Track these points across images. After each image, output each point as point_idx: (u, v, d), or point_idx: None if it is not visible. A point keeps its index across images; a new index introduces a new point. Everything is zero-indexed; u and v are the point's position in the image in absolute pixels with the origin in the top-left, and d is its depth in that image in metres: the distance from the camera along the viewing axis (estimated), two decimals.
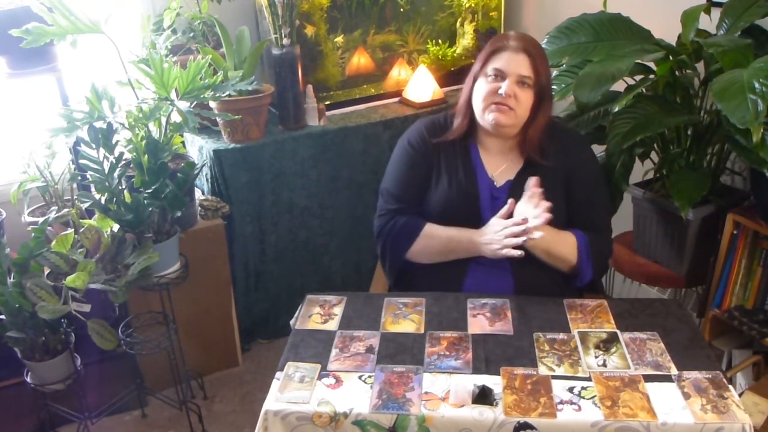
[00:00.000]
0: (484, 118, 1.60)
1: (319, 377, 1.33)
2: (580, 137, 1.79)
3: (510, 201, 1.56)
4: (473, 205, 1.63)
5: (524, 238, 1.51)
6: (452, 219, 1.63)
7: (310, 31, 2.50)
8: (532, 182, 1.54)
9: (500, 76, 1.56)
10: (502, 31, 2.86)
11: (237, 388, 2.41)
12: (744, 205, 1.93)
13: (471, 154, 1.69)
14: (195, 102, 1.82)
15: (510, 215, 1.56)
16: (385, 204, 1.74)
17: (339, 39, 2.56)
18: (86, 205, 1.83)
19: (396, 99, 2.74)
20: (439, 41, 2.82)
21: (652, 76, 1.85)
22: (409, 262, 1.69)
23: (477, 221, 1.62)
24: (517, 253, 1.51)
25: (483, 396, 1.24)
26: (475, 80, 1.62)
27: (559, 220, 1.64)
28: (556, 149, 1.66)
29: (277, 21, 2.26)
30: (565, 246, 1.59)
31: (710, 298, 1.98)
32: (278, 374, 1.34)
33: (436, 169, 1.69)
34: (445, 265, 1.64)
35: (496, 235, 1.54)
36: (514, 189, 1.64)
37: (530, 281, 1.62)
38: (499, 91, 1.55)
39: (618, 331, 1.44)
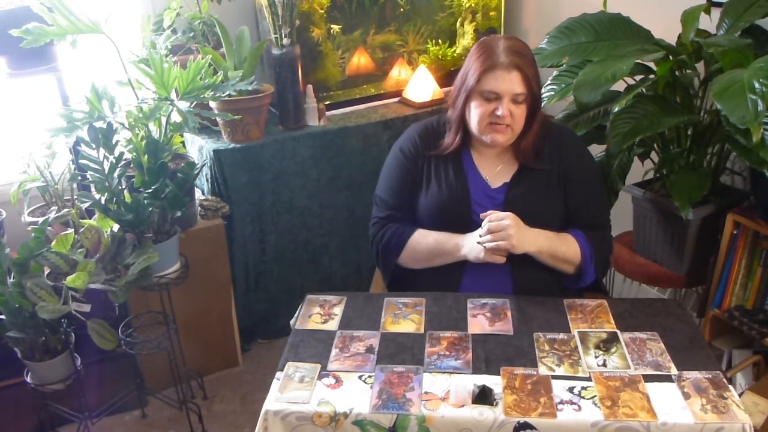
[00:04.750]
0: (482, 137, 1.61)
1: (319, 377, 1.33)
2: (574, 135, 1.78)
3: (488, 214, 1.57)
4: (464, 208, 1.63)
5: (500, 243, 1.51)
6: (444, 222, 1.63)
7: (316, 33, 2.51)
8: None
9: (495, 96, 1.56)
10: (502, 32, 2.86)
11: (237, 388, 2.41)
12: (744, 205, 1.92)
13: (463, 158, 1.69)
14: (195, 102, 1.82)
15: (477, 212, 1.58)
16: (377, 211, 1.75)
17: (336, 28, 2.56)
18: (86, 205, 1.83)
19: (396, 99, 2.74)
20: (439, 41, 2.82)
21: (652, 76, 1.85)
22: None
23: (469, 223, 1.61)
24: (500, 259, 1.53)
25: (483, 396, 1.24)
26: (467, 97, 1.60)
27: (557, 219, 1.64)
28: (551, 149, 1.66)
29: (277, 21, 2.26)
30: (567, 247, 1.59)
31: (710, 298, 1.98)
32: (278, 374, 1.34)
33: (427, 175, 1.69)
34: (443, 266, 1.64)
35: (475, 243, 1.56)
36: (511, 191, 1.64)
37: (529, 281, 1.62)
38: (497, 113, 1.55)
39: (618, 331, 1.44)
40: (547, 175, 1.64)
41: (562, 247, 1.59)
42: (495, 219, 1.52)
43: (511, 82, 1.54)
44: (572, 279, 1.65)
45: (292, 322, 1.54)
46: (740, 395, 1.69)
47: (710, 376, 1.29)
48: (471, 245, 1.58)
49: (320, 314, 1.54)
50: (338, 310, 1.55)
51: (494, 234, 1.51)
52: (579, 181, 1.66)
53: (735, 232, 1.88)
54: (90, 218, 1.88)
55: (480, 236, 1.54)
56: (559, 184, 1.65)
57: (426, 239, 1.64)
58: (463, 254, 1.60)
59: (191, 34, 2.39)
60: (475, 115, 1.59)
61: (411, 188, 1.71)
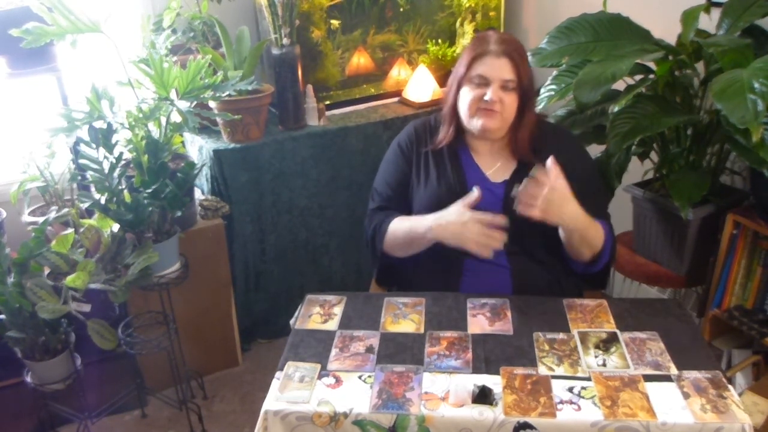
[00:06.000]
0: (472, 124, 1.61)
1: (319, 377, 1.33)
2: (570, 134, 1.78)
3: (475, 188, 1.50)
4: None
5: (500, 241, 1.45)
6: None
7: (316, 35, 2.51)
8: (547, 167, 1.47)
9: (484, 82, 1.56)
10: (501, 31, 2.86)
11: (237, 388, 2.41)
12: (744, 205, 1.93)
13: (460, 155, 1.69)
14: (195, 102, 1.82)
15: (475, 207, 1.49)
16: (371, 203, 1.76)
17: (335, 23, 2.56)
18: (86, 205, 1.83)
19: (396, 99, 2.74)
20: (439, 41, 2.82)
21: (652, 76, 1.85)
22: (404, 261, 1.69)
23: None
24: (486, 253, 1.46)
25: (483, 396, 1.24)
26: (458, 86, 1.62)
27: None
28: (548, 148, 1.66)
29: (277, 21, 2.26)
30: (597, 233, 1.57)
31: (710, 298, 1.98)
32: (278, 374, 1.34)
33: (425, 169, 1.70)
34: (442, 265, 1.64)
35: (470, 231, 1.47)
36: (510, 188, 1.64)
37: (529, 279, 1.62)
38: (485, 98, 1.56)
39: (618, 331, 1.44)
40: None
41: (591, 231, 1.55)
42: (547, 183, 1.42)
43: (500, 68, 1.55)
44: (584, 265, 1.63)
45: (292, 322, 1.54)
46: (740, 395, 1.69)
47: (710, 375, 1.29)
48: (453, 231, 1.49)
49: (320, 314, 1.54)
50: (338, 310, 1.55)
51: (526, 198, 1.42)
52: (578, 179, 1.65)
53: (735, 232, 1.88)
54: (90, 218, 1.89)
55: (517, 190, 1.43)
56: None
57: (402, 224, 1.63)
58: (431, 237, 1.53)
59: (191, 34, 2.39)
60: (464, 101, 1.60)
61: (406, 182, 1.71)
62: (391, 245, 1.67)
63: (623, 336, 1.42)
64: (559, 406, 1.22)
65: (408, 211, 1.70)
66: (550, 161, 1.47)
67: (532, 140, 1.65)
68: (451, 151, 1.69)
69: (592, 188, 1.68)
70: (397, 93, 2.74)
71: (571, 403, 1.23)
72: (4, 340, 1.77)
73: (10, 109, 2.34)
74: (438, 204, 1.64)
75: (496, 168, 1.67)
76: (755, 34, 1.85)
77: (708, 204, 1.90)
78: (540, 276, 1.63)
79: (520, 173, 1.65)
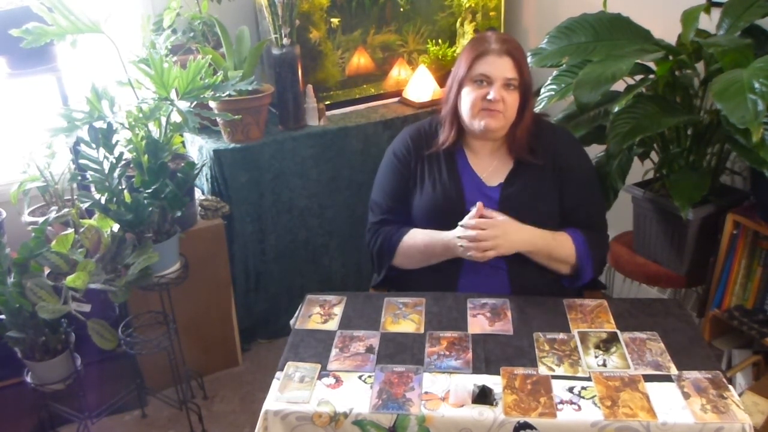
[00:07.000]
0: (474, 124, 1.61)
1: (319, 377, 1.33)
2: (568, 134, 1.78)
3: (478, 204, 1.55)
4: (459, 207, 1.62)
5: (486, 252, 1.51)
6: (438, 222, 1.63)
7: (316, 35, 2.51)
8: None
9: (487, 81, 1.57)
10: (502, 31, 2.86)
11: (237, 388, 2.41)
12: (744, 205, 1.93)
13: (457, 158, 1.69)
14: (195, 102, 1.82)
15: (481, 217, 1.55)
16: (372, 217, 1.76)
17: (335, 21, 2.56)
18: (86, 205, 1.83)
19: (396, 99, 2.74)
20: (439, 41, 2.82)
21: (652, 76, 1.85)
22: (408, 270, 1.69)
23: None
24: (480, 257, 1.52)
25: (483, 396, 1.24)
26: (459, 87, 1.62)
27: (553, 217, 1.64)
28: (545, 147, 1.66)
29: (277, 21, 2.26)
30: (563, 248, 1.59)
31: (710, 298, 1.98)
32: (278, 374, 1.34)
33: (421, 176, 1.69)
34: (440, 266, 1.64)
35: (459, 243, 1.54)
36: (507, 189, 1.64)
37: (526, 280, 1.62)
38: (488, 97, 1.56)
39: (618, 331, 1.44)
40: (542, 173, 1.64)
41: (557, 247, 1.59)
42: (481, 226, 1.51)
43: (502, 67, 1.56)
44: (569, 278, 1.65)
45: (292, 322, 1.54)
46: (740, 395, 1.69)
47: (710, 376, 1.29)
48: (455, 247, 1.56)
49: (320, 314, 1.54)
50: (338, 310, 1.56)
51: (477, 243, 1.50)
52: (574, 181, 1.66)
53: (735, 232, 1.88)
54: (90, 218, 1.88)
55: (458, 237, 1.53)
56: (554, 181, 1.65)
57: (415, 243, 1.64)
58: (454, 254, 1.58)
59: (191, 34, 2.39)
60: (466, 101, 1.60)
61: (404, 191, 1.71)
62: (404, 261, 1.68)
63: (623, 336, 1.42)
64: (560, 406, 1.22)
65: (410, 219, 1.70)
66: (474, 210, 1.53)
67: (530, 139, 1.65)
68: (447, 155, 1.69)
69: (590, 194, 1.68)
70: (398, 93, 2.74)
71: (572, 403, 1.23)
72: (4, 340, 1.77)
73: (10, 109, 2.34)
74: (435, 211, 1.64)
75: (491, 170, 1.67)
76: (755, 34, 1.84)
77: (708, 204, 1.90)
78: (537, 276, 1.63)
79: (516, 174, 1.65)
